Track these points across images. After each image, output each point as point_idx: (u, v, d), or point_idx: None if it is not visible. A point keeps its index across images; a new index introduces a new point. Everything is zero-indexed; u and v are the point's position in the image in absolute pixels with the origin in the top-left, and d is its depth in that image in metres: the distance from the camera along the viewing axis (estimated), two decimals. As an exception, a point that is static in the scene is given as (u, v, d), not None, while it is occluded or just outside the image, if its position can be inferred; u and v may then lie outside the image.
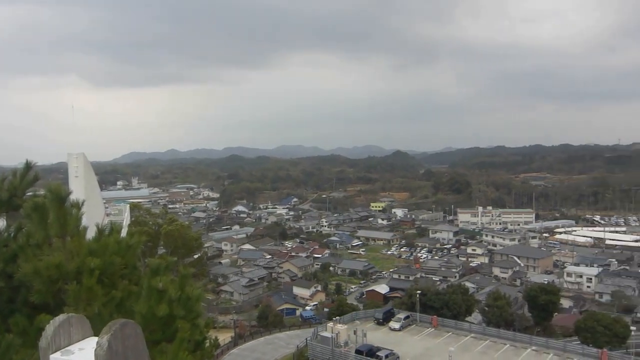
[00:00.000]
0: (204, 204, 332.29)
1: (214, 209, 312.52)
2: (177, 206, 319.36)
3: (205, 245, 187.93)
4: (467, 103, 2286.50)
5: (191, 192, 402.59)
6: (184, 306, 4.85)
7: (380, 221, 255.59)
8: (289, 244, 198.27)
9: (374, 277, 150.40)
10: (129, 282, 5.24)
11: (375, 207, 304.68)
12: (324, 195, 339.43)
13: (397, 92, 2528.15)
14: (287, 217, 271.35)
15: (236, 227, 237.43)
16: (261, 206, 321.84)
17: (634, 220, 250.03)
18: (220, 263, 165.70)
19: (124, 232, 5.79)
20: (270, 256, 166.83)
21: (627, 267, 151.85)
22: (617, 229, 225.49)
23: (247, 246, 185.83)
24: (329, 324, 62.85)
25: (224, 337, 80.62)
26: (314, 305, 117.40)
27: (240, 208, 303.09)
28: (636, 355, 55.59)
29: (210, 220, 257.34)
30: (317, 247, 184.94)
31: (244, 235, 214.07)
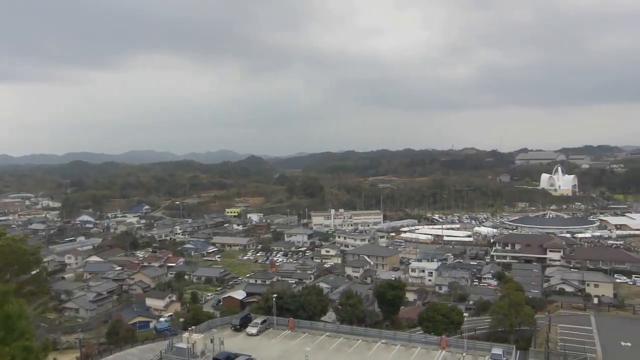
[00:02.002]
0: (43, 215, 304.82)
1: (55, 219, 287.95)
2: (10, 218, 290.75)
3: (45, 259, 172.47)
4: (318, 109, 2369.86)
5: (27, 202, 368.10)
6: (3, 326, 4.30)
7: (235, 227, 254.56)
8: (140, 253, 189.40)
9: (230, 283, 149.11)
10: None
11: (231, 212, 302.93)
12: (177, 202, 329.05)
13: (251, 97, 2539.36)
14: (138, 225, 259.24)
15: (81, 238, 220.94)
16: (109, 215, 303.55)
17: (465, 218, 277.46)
18: (63, 278, 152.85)
19: None
20: (120, 267, 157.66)
21: (461, 260, 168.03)
22: (453, 226, 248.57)
23: (94, 258, 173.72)
24: (184, 334, 60.88)
25: (69, 359, 74.40)
26: (169, 316, 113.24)
27: (85, 218, 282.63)
28: (469, 338, 61.31)
29: (51, 232, 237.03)
30: (170, 255, 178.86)
31: (91, 247, 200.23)
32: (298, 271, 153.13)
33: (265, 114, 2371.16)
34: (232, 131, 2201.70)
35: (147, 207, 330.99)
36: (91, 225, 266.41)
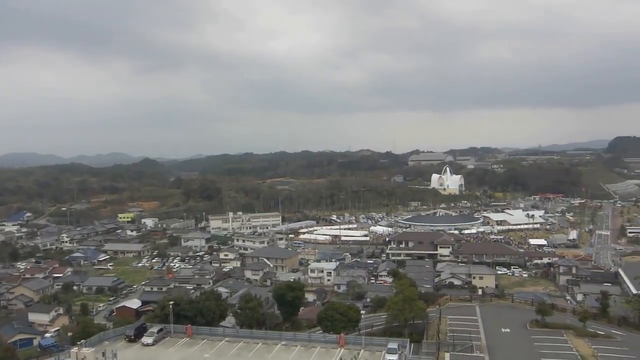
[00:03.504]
0: None
1: None
2: None
3: None
4: (215, 110, 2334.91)
5: None
6: None
7: (129, 232, 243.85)
8: (22, 265, 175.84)
9: (124, 292, 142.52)
10: None
11: (124, 218, 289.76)
12: (64, 208, 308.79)
13: (144, 98, 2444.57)
14: (19, 234, 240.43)
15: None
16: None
17: (362, 218, 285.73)
18: None
19: None
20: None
21: (359, 259, 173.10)
22: (350, 226, 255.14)
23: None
24: (73, 350, 57.13)
25: None
26: (55, 331, 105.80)
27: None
28: (366, 334, 63.10)
29: None
30: (57, 265, 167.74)
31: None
32: (196, 276, 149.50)
33: (160, 115, 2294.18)
34: (124, 133, 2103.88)
35: (28, 214, 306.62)
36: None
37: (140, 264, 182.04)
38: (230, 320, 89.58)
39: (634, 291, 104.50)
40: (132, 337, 63.33)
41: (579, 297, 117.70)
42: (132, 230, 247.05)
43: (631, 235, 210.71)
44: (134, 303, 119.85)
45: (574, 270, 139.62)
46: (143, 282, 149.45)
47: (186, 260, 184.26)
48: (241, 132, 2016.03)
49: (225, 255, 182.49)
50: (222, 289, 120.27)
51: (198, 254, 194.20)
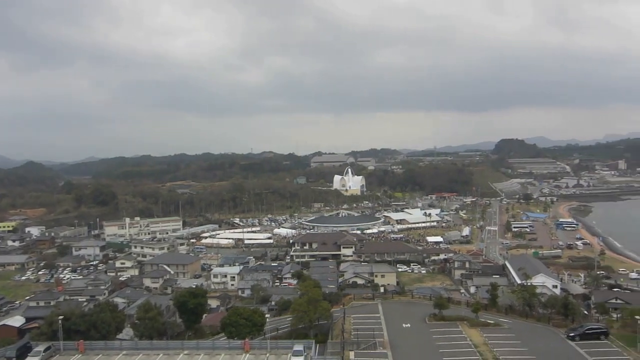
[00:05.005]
0: None
1: None
2: None
3: None
4: (109, 111, 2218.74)
5: None
6: None
7: (10, 243, 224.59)
8: None
9: (4, 309, 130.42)
10: None
11: (4, 227, 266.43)
12: None
13: (27, 96, 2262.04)
14: None
15: None
16: None
17: (265, 220, 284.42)
18: None
19: None
20: None
21: (263, 262, 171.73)
22: (253, 229, 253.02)
23: None
24: (-59, 378, 51.08)
25: None
26: None
27: None
28: (272, 338, 62.21)
29: None
30: None
31: None
32: (89, 287, 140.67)
33: (47, 115, 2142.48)
34: (3, 134, 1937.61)
35: None
36: None
37: (24, 277, 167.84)
38: (128, 332, 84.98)
39: (518, 281, 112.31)
40: (14, 359, 57.83)
41: (472, 290, 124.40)
42: (13, 241, 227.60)
43: (515, 230, 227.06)
44: (17, 320, 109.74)
45: (467, 265, 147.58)
46: (27, 297, 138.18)
47: (78, 271, 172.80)
48: (138, 134, 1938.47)
49: (122, 263, 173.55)
50: (118, 299, 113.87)
51: (92, 263, 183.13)
